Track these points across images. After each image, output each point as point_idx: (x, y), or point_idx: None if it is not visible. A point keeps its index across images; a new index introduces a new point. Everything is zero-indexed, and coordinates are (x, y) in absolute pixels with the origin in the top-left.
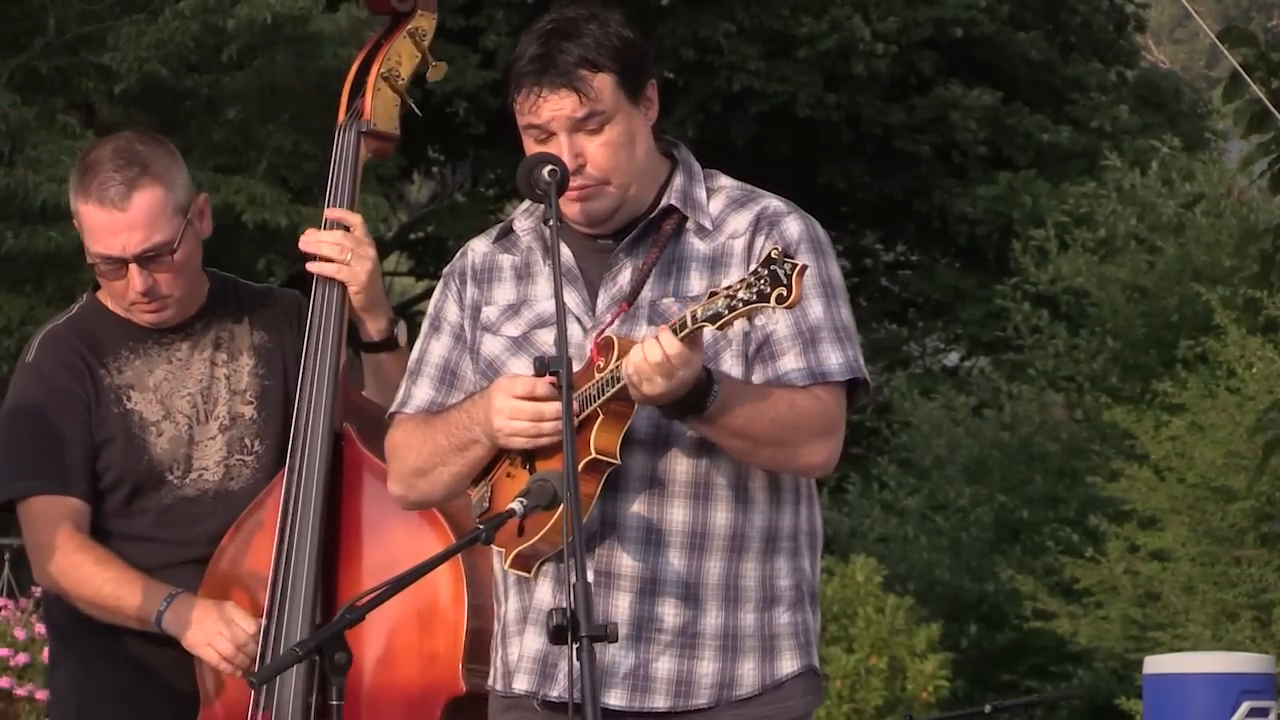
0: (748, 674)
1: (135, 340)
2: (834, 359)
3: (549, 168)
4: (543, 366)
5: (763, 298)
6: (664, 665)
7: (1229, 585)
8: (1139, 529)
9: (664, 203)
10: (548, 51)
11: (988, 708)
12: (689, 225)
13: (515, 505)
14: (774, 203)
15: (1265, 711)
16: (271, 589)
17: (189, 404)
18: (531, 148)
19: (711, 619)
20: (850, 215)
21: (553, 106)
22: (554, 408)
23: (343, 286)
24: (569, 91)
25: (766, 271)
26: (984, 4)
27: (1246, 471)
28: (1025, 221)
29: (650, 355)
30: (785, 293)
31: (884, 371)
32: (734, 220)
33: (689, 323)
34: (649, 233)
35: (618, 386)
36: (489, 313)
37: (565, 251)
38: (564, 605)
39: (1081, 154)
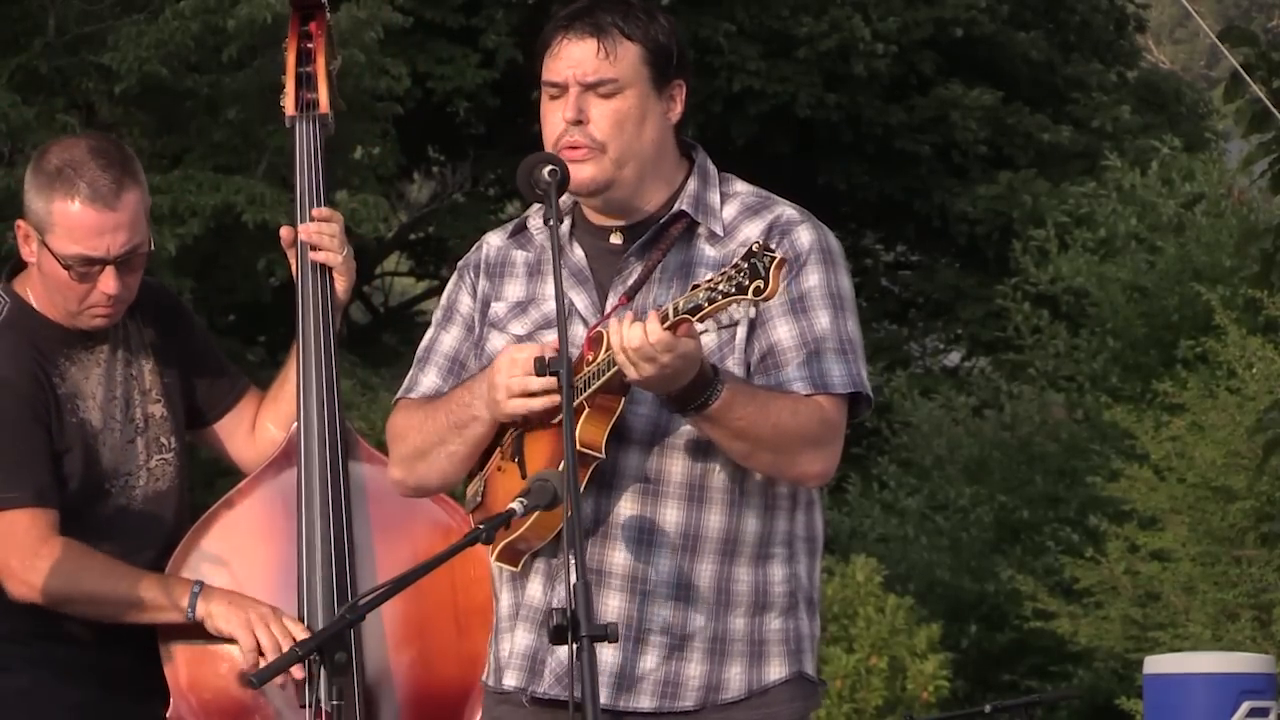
0: (734, 678)
1: (68, 346)
2: (837, 371)
3: (549, 168)
4: (543, 366)
5: (741, 290)
6: (652, 666)
7: (1229, 585)
8: (1139, 529)
9: (676, 207)
10: (588, 8)
11: (988, 708)
12: (700, 231)
13: (516, 505)
14: (788, 211)
15: (1265, 711)
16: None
17: (118, 409)
18: (544, 106)
19: (701, 622)
20: (850, 215)
21: (573, 55)
22: (541, 382)
23: (333, 278)
24: (593, 40)
25: (746, 265)
26: (984, 4)
27: (1246, 471)
28: (1025, 221)
29: (631, 338)
30: (762, 285)
31: (884, 371)
32: (747, 227)
33: (670, 314)
34: (660, 236)
35: (603, 379)
36: (497, 309)
37: (578, 252)
38: (563, 605)
39: (1082, 154)
